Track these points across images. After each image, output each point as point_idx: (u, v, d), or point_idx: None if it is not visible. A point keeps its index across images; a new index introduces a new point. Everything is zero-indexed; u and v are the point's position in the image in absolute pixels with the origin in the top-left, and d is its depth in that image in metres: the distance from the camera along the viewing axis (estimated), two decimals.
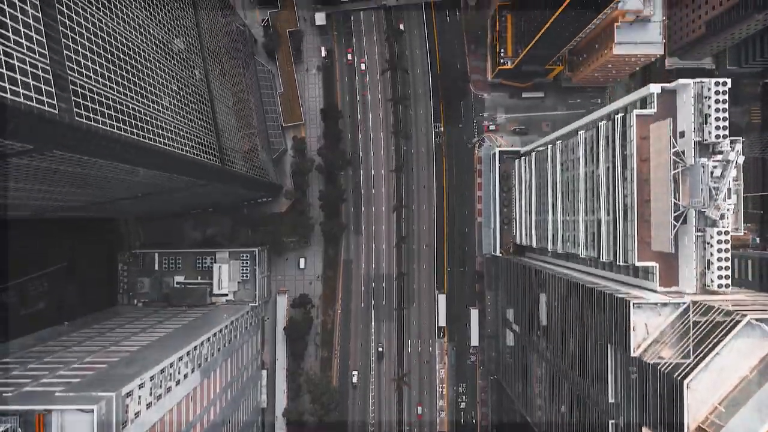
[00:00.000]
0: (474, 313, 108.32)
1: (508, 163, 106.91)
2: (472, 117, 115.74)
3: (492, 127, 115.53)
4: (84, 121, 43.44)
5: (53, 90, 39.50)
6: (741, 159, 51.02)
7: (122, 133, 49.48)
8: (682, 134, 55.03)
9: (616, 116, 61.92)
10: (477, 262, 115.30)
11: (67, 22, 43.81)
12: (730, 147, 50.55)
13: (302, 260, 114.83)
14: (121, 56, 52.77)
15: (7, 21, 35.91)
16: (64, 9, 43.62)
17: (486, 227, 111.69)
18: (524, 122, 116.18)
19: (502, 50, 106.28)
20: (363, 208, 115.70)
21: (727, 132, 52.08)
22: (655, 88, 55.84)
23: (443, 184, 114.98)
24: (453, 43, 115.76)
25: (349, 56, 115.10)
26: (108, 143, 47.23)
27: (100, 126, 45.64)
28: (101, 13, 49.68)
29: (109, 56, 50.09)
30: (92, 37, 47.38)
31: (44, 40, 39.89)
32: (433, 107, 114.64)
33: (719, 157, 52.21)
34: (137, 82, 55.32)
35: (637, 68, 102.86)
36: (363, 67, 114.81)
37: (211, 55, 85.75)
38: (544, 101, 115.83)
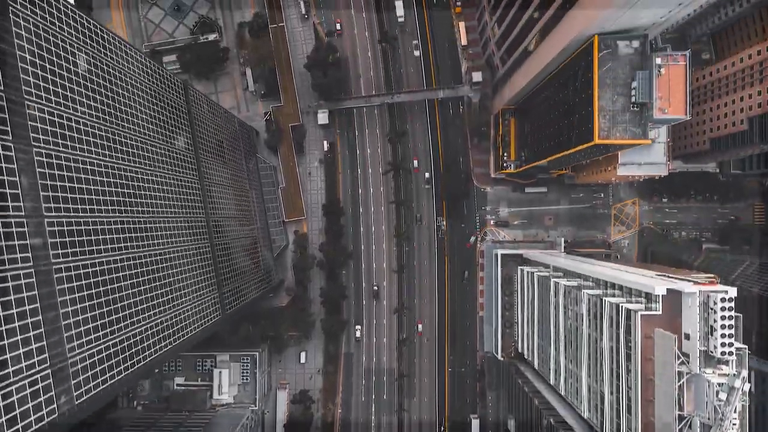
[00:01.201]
0: (475, 424, 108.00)
1: (511, 267, 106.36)
2: (475, 210, 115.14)
3: (494, 221, 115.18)
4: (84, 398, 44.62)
5: (53, 392, 40.38)
6: (747, 386, 50.68)
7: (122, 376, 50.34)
8: (688, 336, 54.70)
9: (620, 306, 60.94)
10: (478, 356, 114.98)
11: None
12: (736, 371, 50.20)
13: (303, 354, 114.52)
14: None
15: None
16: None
17: (488, 324, 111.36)
18: (527, 216, 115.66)
19: (505, 154, 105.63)
20: (364, 302, 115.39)
21: (732, 348, 51.70)
22: (660, 289, 55.36)
23: (445, 278, 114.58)
24: (456, 137, 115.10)
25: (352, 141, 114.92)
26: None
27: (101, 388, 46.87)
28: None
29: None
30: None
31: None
32: (435, 203, 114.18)
33: (725, 369, 51.88)
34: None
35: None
36: (367, 162, 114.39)
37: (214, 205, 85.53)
38: (547, 195, 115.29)
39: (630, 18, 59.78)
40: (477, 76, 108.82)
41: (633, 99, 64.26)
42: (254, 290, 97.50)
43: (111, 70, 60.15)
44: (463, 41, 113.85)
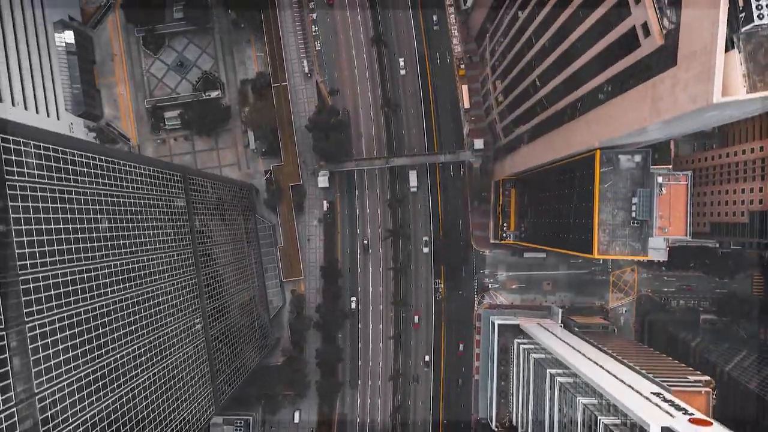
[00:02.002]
0: None
1: (508, 336, 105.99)
2: (473, 274, 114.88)
3: (492, 285, 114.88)
4: None
5: None
6: None
7: None
8: None
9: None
10: (473, 419, 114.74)
11: None
12: None
13: (297, 413, 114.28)
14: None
15: None
16: None
17: (483, 390, 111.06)
18: (525, 281, 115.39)
19: (504, 224, 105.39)
20: (360, 362, 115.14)
21: None
22: (655, 428, 55.06)
23: (441, 341, 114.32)
24: (456, 200, 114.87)
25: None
26: None
27: None
28: None
29: None
30: None
31: None
32: (434, 266, 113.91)
33: None
34: None
35: None
36: (366, 223, 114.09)
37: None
38: (545, 260, 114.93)
39: (637, 135, 59.45)
40: (479, 143, 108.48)
41: (633, 215, 63.94)
42: (250, 362, 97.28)
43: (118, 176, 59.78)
44: (466, 104, 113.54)
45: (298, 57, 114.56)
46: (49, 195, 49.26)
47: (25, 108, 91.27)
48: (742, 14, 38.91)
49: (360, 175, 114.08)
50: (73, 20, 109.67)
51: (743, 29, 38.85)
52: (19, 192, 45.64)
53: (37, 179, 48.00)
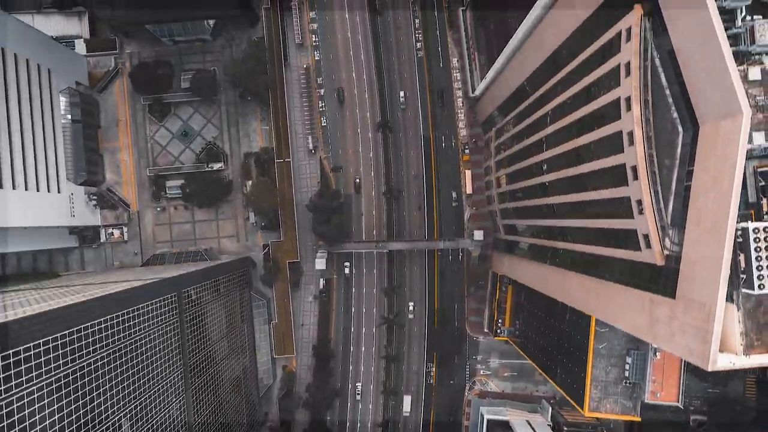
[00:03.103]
0: None
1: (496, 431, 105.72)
2: (466, 359, 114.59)
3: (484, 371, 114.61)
4: None
5: None
6: None
7: None
8: None
9: None
10: None
11: None
12: None
13: None
14: None
15: None
16: None
17: None
18: (517, 369, 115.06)
19: (500, 320, 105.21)
20: None
21: None
22: None
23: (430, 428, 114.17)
24: (453, 284, 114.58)
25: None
26: None
27: None
28: None
29: None
30: None
31: None
32: (427, 351, 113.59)
33: None
34: None
35: None
36: (362, 304, 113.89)
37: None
38: None
39: None
40: (478, 235, 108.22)
41: (627, 374, 63.68)
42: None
43: None
44: (468, 190, 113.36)
45: (303, 132, 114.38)
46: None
47: (26, 188, 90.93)
48: (743, 275, 38.63)
49: (358, 256, 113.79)
50: (80, 85, 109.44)
51: (743, 290, 38.58)
52: None
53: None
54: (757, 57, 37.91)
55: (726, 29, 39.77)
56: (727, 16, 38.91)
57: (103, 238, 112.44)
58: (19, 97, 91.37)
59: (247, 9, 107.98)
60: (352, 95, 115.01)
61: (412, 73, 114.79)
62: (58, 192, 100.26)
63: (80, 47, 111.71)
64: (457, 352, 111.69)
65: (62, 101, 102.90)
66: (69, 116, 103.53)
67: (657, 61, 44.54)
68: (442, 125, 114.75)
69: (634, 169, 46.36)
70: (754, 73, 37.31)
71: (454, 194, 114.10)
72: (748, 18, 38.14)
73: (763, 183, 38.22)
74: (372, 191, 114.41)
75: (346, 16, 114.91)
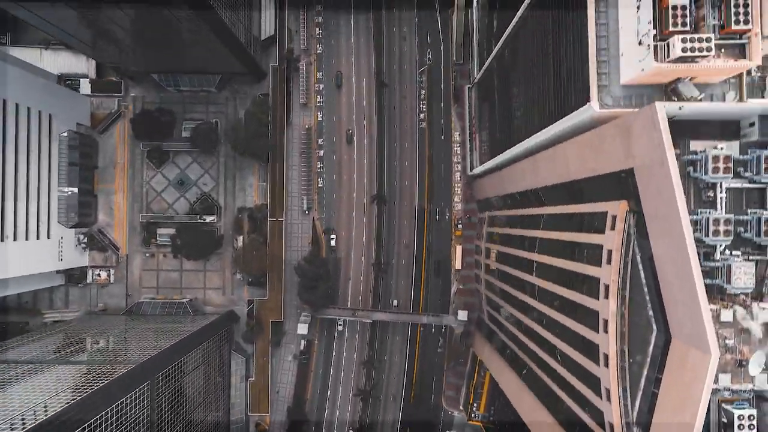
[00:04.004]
0: None
1: None
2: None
3: None
4: None
5: None
6: None
7: None
8: None
9: None
10: None
11: None
12: None
13: None
14: None
15: None
16: None
17: None
18: None
19: (475, 404, 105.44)
20: None
21: None
22: None
23: None
24: (433, 357, 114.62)
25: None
26: None
27: None
28: None
29: None
30: None
31: None
32: (400, 424, 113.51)
33: None
34: None
35: None
36: (341, 369, 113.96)
37: None
38: None
39: None
40: (462, 315, 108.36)
41: None
42: None
43: None
44: (458, 265, 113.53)
45: (299, 192, 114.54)
46: None
47: (14, 239, 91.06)
48: None
49: (342, 322, 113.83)
50: (81, 126, 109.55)
51: None
52: None
53: None
54: (731, 297, 38.11)
55: (705, 256, 40.09)
56: (708, 249, 39.12)
57: (89, 279, 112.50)
58: (17, 148, 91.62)
59: (255, 67, 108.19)
60: (351, 159, 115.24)
61: (412, 143, 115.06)
62: (48, 238, 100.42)
63: (85, 87, 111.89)
64: (431, 428, 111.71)
65: (61, 145, 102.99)
66: (66, 160, 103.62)
67: (638, 258, 44.77)
68: (437, 198, 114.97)
69: (606, 356, 46.57)
70: (727, 315, 37.53)
71: (442, 267, 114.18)
72: (728, 252, 38.37)
73: (725, 420, 38.39)
74: (362, 257, 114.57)
75: (353, 81, 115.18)
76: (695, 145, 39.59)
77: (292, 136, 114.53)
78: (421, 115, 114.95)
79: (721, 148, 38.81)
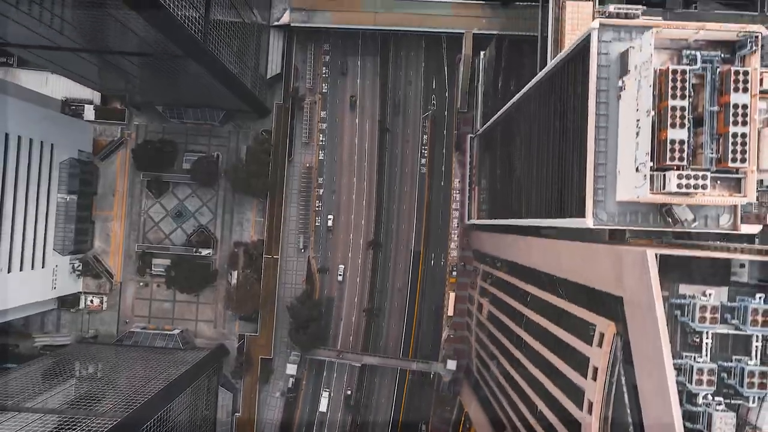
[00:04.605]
0: None
1: None
2: None
3: None
4: None
5: None
6: None
7: None
8: None
9: None
10: None
11: None
12: None
13: None
14: None
15: None
16: None
17: None
18: None
19: None
20: None
21: None
22: None
23: None
24: (420, 402, 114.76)
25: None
26: None
27: None
28: None
29: None
30: None
31: None
32: None
33: None
34: None
35: None
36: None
37: None
38: None
39: None
40: (451, 365, 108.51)
41: None
42: None
43: None
44: (450, 311, 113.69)
45: (297, 229, 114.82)
46: None
47: (9, 271, 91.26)
48: None
49: (330, 365, 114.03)
50: (83, 152, 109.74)
51: None
52: None
53: None
54: None
55: (688, 398, 40.32)
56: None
57: (82, 305, 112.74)
58: (17, 178, 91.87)
59: (260, 106, 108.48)
60: (350, 199, 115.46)
61: (412, 187, 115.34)
62: (43, 267, 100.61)
63: (89, 113, 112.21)
64: None
65: (61, 173, 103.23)
66: (66, 188, 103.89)
67: (623, 380, 45.01)
68: (434, 243, 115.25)
69: None
70: None
71: (434, 313, 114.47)
72: (711, 397, 38.62)
73: None
74: (355, 298, 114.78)
75: (356, 121, 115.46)
76: (684, 288, 39.81)
77: (293, 173, 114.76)
78: (423, 160, 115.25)
79: (710, 295, 39.05)
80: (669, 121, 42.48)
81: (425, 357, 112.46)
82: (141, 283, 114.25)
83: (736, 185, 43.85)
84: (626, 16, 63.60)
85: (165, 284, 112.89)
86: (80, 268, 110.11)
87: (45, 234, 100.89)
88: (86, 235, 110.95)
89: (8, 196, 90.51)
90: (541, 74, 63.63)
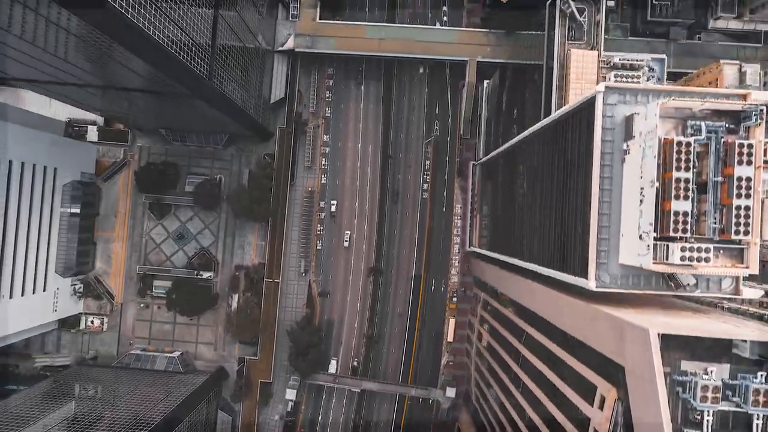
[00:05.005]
0: None
1: None
2: None
3: None
4: None
5: None
6: None
7: None
8: None
9: None
10: None
11: None
12: None
13: None
14: None
15: None
16: None
17: None
18: None
19: None
20: None
21: None
22: None
23: None
24: (419, 429, 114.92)
25: None
26: None
27: None
28: None
29: None
30: None
31: None
32: None
33: None
34: None
35: None
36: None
37: None
38: None
39: None
40: (450, 392, 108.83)
41: None
42: None
43: None
44: (450, 338, 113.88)
45: (298, 253, 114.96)
46: None
47: (10, 297, 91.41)
48: None
49: (329, 388, 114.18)
50: (85, 174, 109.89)
51: None
52: None
53: None
54: None
55: None
56: None
57: (82, 326, 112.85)
58: (19, 204, 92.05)
59: (263, 130, 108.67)
60: (351, 223, 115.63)
61: (414, 212, 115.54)
62: (44, 290, 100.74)
63: (92, 134, 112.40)
64: None
65: (64, 196, 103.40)
66: (68, 211, 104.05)
67: None
68: (434, 269, 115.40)
69: None
70: None
71: (434, 338, 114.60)
72: None
73: None
74: (355, 323, 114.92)
75: (359, 145, 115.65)
76: (686, 365, 40.00)
77: (295, 197, 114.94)
78: (425, 186, 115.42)
79: (711, 372, 39.23)
80: (673, 192, 42.73)
81: (424, 383, 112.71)
82: (142, 305, 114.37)
83: (739, 255, 44.04)
84: (631, 67, 64.10)
85: (166, 306, 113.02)
86: (81, 290, 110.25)
87: (47, 257, 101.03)
88: (88, 256, 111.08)
89: (11, 223, 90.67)
90: (545, 121, 63.82)
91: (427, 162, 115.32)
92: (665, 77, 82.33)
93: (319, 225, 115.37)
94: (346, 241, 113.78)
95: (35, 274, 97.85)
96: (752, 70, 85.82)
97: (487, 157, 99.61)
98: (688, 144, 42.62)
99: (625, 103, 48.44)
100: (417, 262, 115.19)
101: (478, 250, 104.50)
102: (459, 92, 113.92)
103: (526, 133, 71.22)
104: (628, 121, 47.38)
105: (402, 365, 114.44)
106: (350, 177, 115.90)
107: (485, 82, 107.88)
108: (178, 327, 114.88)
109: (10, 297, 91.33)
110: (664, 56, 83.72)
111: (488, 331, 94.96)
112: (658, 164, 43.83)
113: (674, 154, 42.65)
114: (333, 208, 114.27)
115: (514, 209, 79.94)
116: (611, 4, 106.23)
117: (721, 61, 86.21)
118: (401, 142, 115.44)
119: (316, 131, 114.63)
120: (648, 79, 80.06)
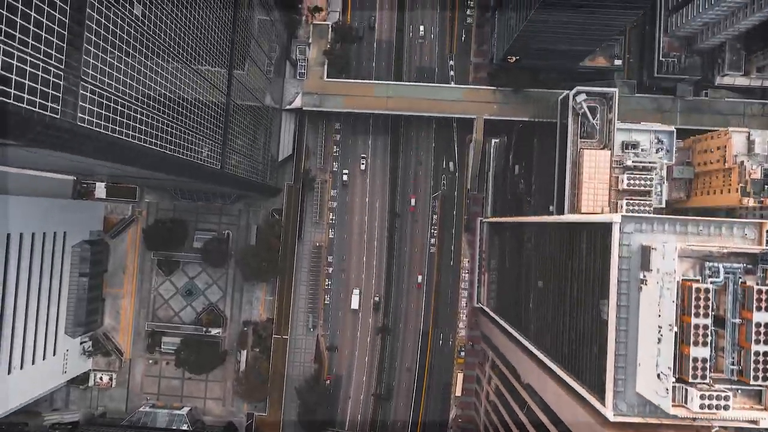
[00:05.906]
0: None
1: None
2: None
3: None
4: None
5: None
6: None
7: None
8: None
9: None
10: None
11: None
12: None
13: None
14: None
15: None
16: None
17: None
18: None
19: None
20: None
21: None
22: None
23: None
24: None
25: None
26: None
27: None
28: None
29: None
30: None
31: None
32: None
33: None
34: None
35: None
36: None
37: None
38: None
39: None
40: None
41: None
42: None
43: None
44: (458, 392, 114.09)
45: (306, 308, 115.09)
46: None
47: (21, 368, 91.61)
48: None
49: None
50: (93, 232, 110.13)
51: None
52: None
53: None
54: None
55: None
56: None
57: (91, 382, 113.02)
58: (30, 272, 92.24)
59: (271, 189, 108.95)
60: (359, 279, 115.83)
61: (421, 266, 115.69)
62: (54, 354, 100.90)
63: (101, 191, 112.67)
64: None
65: (73, 258, 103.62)
66: (77, 272, 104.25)
67: None
68: (442, 322, 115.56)
69: None
70: None
71: (442, 393, 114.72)
72: None
73: None
74: (363, 377, 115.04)
75: (367, 200, 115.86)
76: None
77: (302, 252, 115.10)
78: (432, 240, 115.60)
79: None
80: (692, 338, 42.90)
81: None
82: (150, 361, 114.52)
83: (757, 396, 44.22)
84: (644, 168, 64.25)
85: (174, 362, 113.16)
86: (90, 347, 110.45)
87: (57, 320, 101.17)
88: (96, 313, 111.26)
89: (21, 293, 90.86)
90: (560, 219, 64.04)
91: (435, 216, 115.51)
92: (674, 150, 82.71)
93: (326, 279, 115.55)
94: (355, 305, 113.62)
95: (45, 341, 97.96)
96: (761, 139, 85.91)
97: (495, 217, 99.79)
98: (707, 290, 42.81)
99: (642, 231, 48.61)
100: (425, 315, 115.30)
101: (486, 308, 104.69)
102: (466, 146, 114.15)
103: (537, 219, 71.45)
104: (645, 252, 47.53)
105: (410, 420, 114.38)
106: (358, 231, 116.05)
107: (493, 141, 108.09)
108: (187, 383, 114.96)
109: (21, 367, 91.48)
110: (672, 128, 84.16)
111: (494, 391, 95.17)
112: (676, 304, 43.99)
113: (693, 300, 42.84)
114: (342, 266, 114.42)
115: (521, 280, 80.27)
116: (618, 62, 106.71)
117: (729, 129, 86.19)
118: (408, 195, 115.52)
119: (323, 186, 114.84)
120: (657, 151, 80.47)
